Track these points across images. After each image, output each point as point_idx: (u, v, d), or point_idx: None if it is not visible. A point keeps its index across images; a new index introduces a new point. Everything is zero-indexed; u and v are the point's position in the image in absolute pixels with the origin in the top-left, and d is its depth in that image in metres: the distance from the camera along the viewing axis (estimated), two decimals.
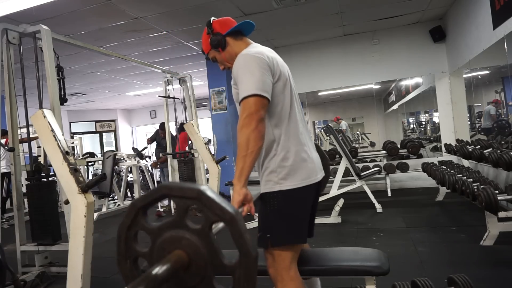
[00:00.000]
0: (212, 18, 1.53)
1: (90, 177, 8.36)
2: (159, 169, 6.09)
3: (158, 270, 0.67)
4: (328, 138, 7.72)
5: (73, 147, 7.96)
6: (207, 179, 4.03)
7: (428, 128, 7.87)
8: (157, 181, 6.53)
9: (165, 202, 5.55)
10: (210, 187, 0.73)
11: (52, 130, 1.76)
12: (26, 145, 3.01)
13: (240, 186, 1.23)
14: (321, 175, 1.46)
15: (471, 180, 3.22)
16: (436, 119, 6.56)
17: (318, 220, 4.00)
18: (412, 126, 8.95)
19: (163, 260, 0.69)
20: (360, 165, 5.42)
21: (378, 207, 4.28)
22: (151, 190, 0.77)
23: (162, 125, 5.98)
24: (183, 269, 0.72)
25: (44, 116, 1.78)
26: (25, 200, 3.19)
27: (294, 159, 1.37)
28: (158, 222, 0.77)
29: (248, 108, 1.26)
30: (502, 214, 2.57)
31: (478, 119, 6.22)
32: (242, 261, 0.69)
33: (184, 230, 0.73)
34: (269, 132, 1.37)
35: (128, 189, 7.58)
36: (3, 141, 4.54)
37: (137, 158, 6.06)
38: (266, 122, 1.35)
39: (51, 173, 2.88)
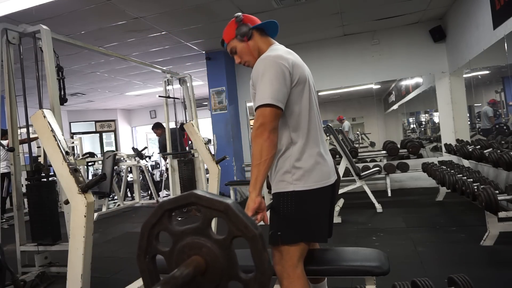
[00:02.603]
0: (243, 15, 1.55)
1: (90, 177, 8.36)
2: (159, 170, 6.08)
3: (180, 273, 0.71)
4: (328, 138, 7.71)
5: (73, 147, 7.96)
6: (207, 179, 4.03)
7: (428, 128, 7.87)
8: (157, 181, 6.52)
9: None
10: (236, 203, 0.76)
11: (52, 130, 1.76)
12: (26, 145, 3.01)
13: (255, 194, 1.28)
14: (334, 178, 1.48)
15: (471, 180, 3.22)
16: (436, 119, 6.55)
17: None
18: (412, 126, 8.95)
19: (184, 264, 0.74)
20: (360, 165, 5.42)
21: (378, 207, 4.28)
22: (181, 195, 0.79)
23: (156, 125, 5.97)
24: (200, 274, 0.76)
25: (44, 116, 1.78)
26: (25, 200, 3.19)
27: (309, 161, 1.39)
28: (182, 227, 0.80)
29: (262, 117, 1.30)
30: (502, 214, 2.57)
31: (478, 119, 6.22)
32: (257, 277, 0.73)
33: (206, 238, 0.77)
34: (286, 134, 1.40)
35: (128, 189, 7.58)
36: (4, 142, 4.53)
37: (137, 158, 6.06)
38: (283, 124, 1.39)
39: (51, 173, 2.89)
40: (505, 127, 4.97)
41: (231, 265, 0.76)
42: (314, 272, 1.51)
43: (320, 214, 1.43)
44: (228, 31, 1.55)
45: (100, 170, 7.20)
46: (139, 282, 1.73)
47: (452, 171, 3.77)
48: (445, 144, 4.66)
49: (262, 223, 1.34)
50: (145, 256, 0.85)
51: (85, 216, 1.65)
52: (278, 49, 1.45)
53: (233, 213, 0.74)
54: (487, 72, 5.72)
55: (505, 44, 3.67)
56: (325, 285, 1.72)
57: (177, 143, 5.61)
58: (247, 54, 1.52)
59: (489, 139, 3.87)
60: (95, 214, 5.41)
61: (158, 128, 5.97)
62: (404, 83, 7.36)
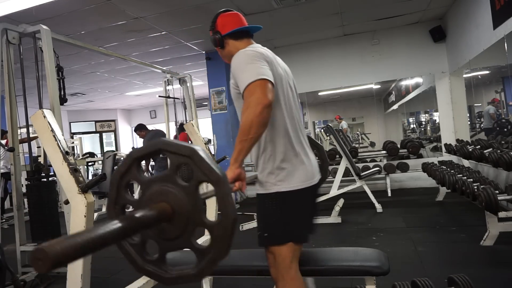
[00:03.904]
0: (223, 10, 1.54)
1: (90, 177, 8.36)
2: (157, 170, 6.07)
3: (142, 214, 0.71)
4: (328, 138, 7.71)
5: (73, 147, 7.96)
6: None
7: (428, 128, 7.87)
8: None
9: None
10: (202, 149, 0.77)
11: (52, 130, 1.76)
12: (26, 145, 3.00)
13: (235, 166, 1.23)
14: (317, 178, 1.47)
15: (471, 180, 3.22)
16: (436, 119, 6.56)
17: (318, 220, 4.00)
18: (412, 126, 8.95)
19: (148, 208, 0.74)
20: (360, 165, 5.42)
21: (378, 207, 4.28)
22: (149, 143, 0.82)
23: (139, 127, 5.90)
24: (166, 220, 0.77)
25: (44, 116, 1.78)
26: (25, 200, 3.19)
27: (292, 162, 1.38)
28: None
29: (254, 91, 1.22)
30: (502, 214, 2.57)
31: (478, 119, 6.21)
32: (221, 221, 0.74)
33: (173, 185, 0.78)
34: (267, 133, 1.36)
35: (128, 189, 7.57)
36: (4, 142, 4.53)
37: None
38: None
39: (51, 173, 2.89)
40: (507, 123, 4.94)
41: (196, 211, 0.76)
42: (314, 272, 1.51)
43: (305, 214, 1.43)
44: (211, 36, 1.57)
45: (100, 170, 7.20)
46: (139, 282, 1.73)
47: (452, 171, 3.77)
48: (445, 144, 4.66)
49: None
50: (114, 206, 0.86)
51: (85, 216, 1.65)
52: (257, 47, 1.44)
53: (198, 158, 0.75)
54: (487, 72, 5.72)
55: (505, 44, 3.67)
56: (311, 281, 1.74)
57: None
58: (225, 59, 1.54)
59: (489, 138, 3.86)
60: (95, 214, 5.41)
61: (141, 130, 5.86)
62: (404, 83, 7.36)
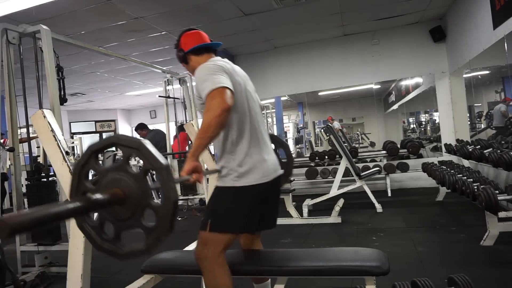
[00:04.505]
0: (186, 29, 1.68)
1: (90, 177, 8.35)
2: None
3: (97, 196, 0.85)
4: (327, 138, 7.72)
5: (73, 147, 7.96)
6: (207, 179, 4.03)
7: (428, 128, 7.87)
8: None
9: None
10: (148, 142, 0.90)
11: (52, 130, 1.76)
12: (26, 145, 3.00)
13: (192, 159, 1.35)
14: (274, 175, 1.58)
15: (471, 180, 3.22)
16: (436, 119, 6.56)
17: (318, 220, 4.00)
18: (412, 126, 8.96)
19: (103, 192, 0.88)
20: (360, 165, 5.42)
21: (378, 207, 4.28)
22: (104, 138, 0.97)
23: (140, 126, 5.90)
24: (119, 204, 0.89)
25: (44, 116, 1.78)
26: (25, 200, 3.19)
27: (251, 163, 1.50)
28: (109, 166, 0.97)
29: (215, 96, 1.35)
30: (502, 214, 2.57)
31: (478, 119, 6.22)
32: (165, 203, 0.87)
33: (125, 174, 0.91)
34: (228, 135, 1.50)
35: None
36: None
37: (137, 158, 6.05)
38: (227, 128, 1.49)
39: (51, 173, 2.88)
40: None
41: (145, 195, 0.89)
42: (314, 272, 1.51)
43: (254, 208, 1.52)
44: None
45: None
46: (139, 282, 1.73)
47: (452, 171, 3.77)
48: (445, 144, 4.66)
49: None
50: (76, 193, 0.98)
51: None
52: (213, 60, 1.56)
53: (145, 149, 0.87)
54: (487, 72, 5.73)
55: (505, 44, 3.67)
56: (268, 285, 1.78)
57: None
58: (191, 73, 1.66)
59: (489, 138, 3.86)
60: (96, 214, 5.40)
61: (142, 129, 5.84)
62: (404, 83, 7.36)
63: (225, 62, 1.55)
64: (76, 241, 1.64)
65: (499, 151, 2.98)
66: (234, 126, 1.51)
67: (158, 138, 5.61)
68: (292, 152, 9.49)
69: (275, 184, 1.61)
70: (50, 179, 2.95)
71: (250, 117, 1.56)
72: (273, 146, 1.87)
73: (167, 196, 0.86)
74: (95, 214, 1.02)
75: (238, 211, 1.50)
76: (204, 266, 1.50)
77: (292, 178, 5.17)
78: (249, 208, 1.51)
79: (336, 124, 8.15)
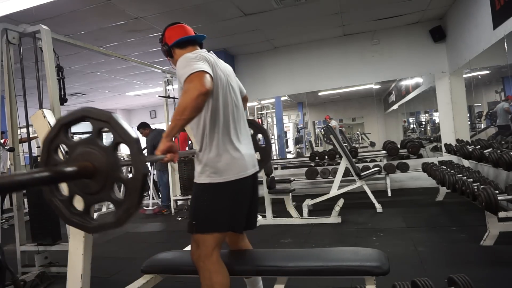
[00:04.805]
0: (170, 24, 1.69)
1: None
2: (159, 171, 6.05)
3: (65, 167, 0.85)
4: (325, 139, 7.74)
5: None
6: None
7: (428, 128, 7.88)
8: (155, 181, 6.52)
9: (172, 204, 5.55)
10: (118, 115, 0.89)
11: None
12: (26, 145, 3.00)
13: (168, 139, 1.34)
14: (252, 171, 1.59)
15: (471, 180, 3.22)
16: (436, 119, 6.56)
17: (318, 220, 4.00)
18: (412, 126, 8.96)
19: (73, 164, 0.88)
20: (360, 165, 5.42)
21: (378, 207, 4.28)
22: (74, 110, 0.94)
23: (143, 125, 5.88)
24: (89, 177, 0.89)
25: (44, 116, 1.78)
26: (25, 200, 3.19)
27: (227, 156, 1.50)
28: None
29: (193, 80, 1.33)
30: (502, 214, 2.57)
31: (478, 119, 6.22)
32: (134, 176, 0.87)
33: (95, 147, 0.90)
34: (206, 126, 1.50)
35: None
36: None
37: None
38: (201, 119, 1.49)
39: None
40: None
41: (115, 168, 0.88)
42: (313, 272, 1.51)
43: (234, 205, 1.52)
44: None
45: None
46: (139, 282, 1.73)
47: (452, 171, 3.76)
48: (445, 144, 4.66)
49: None
50: (45, 167, 0.97)
51: None
52: (197, 51, 1.56)
53: (115, 122, 0.87)
54: (487, 72, 5.73)
55: (505, 44, 3.67)
56: (258, 280, 1.80)
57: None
58: (175, 62, 1.62)
59: (489, 138, 3.86)
60: (95, 214, 5.41)
61: (145, 128, 5.80)
62: (404, 83, 7.37)
63: (208, 54, 1.54)
64: (76, 241, 1.64)
65: (499, 151, 2.98)
66: (213, 119, 1.49)
67: (160, 138, 5.61)
68: (292, 152, 9.50)
69: (254, 180, 1.62)
70: None
71: (230, 111, 1.55)
72: (251, 131, 1.86)
73: (136, 169, 0.86)
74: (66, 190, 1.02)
75: (219, 209, 1.50)
76: (199, 266, 1.51)
77: (292, 178, 5.17)
78: (229, 205, 1.51)
79: (334, 122, 8.15)
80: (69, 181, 0.91)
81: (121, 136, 0.86)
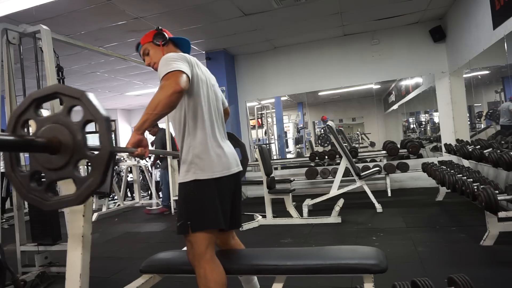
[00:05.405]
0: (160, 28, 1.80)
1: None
2: (159, 170, 6.06)
3: (32, 138, 0.86)
4: (323, 144, 7.74)
5: None
6: None
7: (428, 128, 7.87)
8: (156, 181, 6.52)
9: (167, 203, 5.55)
10: (91, 93, 0.89)
11: None
12: None
13: (138, 133, 1.35)
14: (236, 169, 1.63)
15: (471, 180, 3.21)
16: (436, 119, 6.55)
17: (318, 220, 4.00)
18: (412, 126, 8.95)
19: (40, 137, 0.88)
20: (360, 165, 5.42)
21: (378, 207, 4.27)
22: (46, 86, 0.94)
23: None
24: (54, 151, 0.88)
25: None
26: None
27: (210, 153, 1.52)
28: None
29: (169, 78, 1.36)
30: (502, 214, 2.56)
31: (478, 119, 6.21)
32: (100, 153, 0.87)
33: (63, 124, 0.90)
34: (186, 125, 1.53)
35: (128, 189, 7.59)
36: None
37: (137, 158, 6.04)
38: (183, 117, 1.52)
39: None
40: None
41: (81, 145, 0.89)
42: (312, 270, 1.51)
43: (220, 202, 1.54)
44: (147, 36, 1.84)
45: None
46: (138, 282, 1.73)
47: (452, 171, 3.76)
48: (445, 144, 4.66)
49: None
50: None
51: (83, 216, 1.65)
52: (179, 52, 1.62)
53: (86, 99, 0.87)
54: (487, 72, 5.72)
55: (505, 44, 3.67)
56: (252, 275, 1.80)
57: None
58: (158, 57, 1.62)
59: (489, 138, 3.86)
60: (95, 214, 5.41)
61: (154, 126, 5.87)
62: (404, 83, 7.36)
63: (190, 57, 1.58)
64: (74, 241, 1.65)
65: (499, 151, 2.98)
66: (195, 115, 1.53)
67: (165, 139, 5.61)
68: (292, 152, 9.50)
69: (237, 178, 1.65)
70: None
71: (211, 112, 1.59)
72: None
73: (102, 146, 0.87)
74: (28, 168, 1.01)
75: (208, 205, 1.51)
76: (194, 265, 1.53)
77: (292, 178, 5.17)
78: (217, 200, 1.52)
79: (331, 123, 8.14)
80: (34, 152, 0.90)
81: (92, 113, 0.86)
